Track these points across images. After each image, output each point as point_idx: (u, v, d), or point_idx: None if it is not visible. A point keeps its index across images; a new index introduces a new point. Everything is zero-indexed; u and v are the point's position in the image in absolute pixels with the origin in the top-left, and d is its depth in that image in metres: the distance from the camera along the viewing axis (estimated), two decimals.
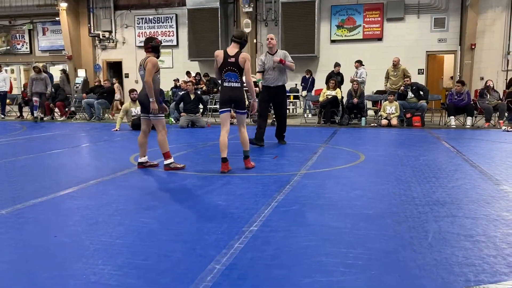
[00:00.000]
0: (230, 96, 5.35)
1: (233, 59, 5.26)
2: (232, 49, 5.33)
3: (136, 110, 10.44)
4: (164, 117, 5.53)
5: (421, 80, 13.10)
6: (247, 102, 5.64)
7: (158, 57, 5.50)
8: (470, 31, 13.15)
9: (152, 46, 5.39)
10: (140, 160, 5.59)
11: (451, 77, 14.34)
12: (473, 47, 13.20)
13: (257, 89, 8.13)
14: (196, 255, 2.72)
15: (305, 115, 12.84)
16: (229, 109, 5.43)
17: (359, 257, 2.67)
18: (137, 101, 10.37)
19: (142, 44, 5.48)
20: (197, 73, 14.59)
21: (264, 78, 7.41)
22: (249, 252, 2.77)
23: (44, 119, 12.90)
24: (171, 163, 5.40)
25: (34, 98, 12.61)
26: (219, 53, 5.40)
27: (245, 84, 5.50)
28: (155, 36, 5.69)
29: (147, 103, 5.33)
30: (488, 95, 10.82)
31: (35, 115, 12.76)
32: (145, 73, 5.22)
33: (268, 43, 7.33)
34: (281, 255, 2.73)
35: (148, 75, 5.19)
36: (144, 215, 3.57)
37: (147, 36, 5.81)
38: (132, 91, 10.67)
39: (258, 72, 7.55)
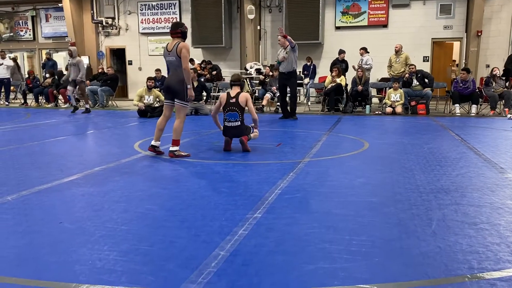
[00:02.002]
0: (233, 133, 5.78)
1: (234, 100, 5.75)
2: (234, 91, 5.85)
3: (149, 98, 10.44)
4: (188, 106, 5.53)
5: (426, 67, 12.99)
6: (253, 133, 5.97)
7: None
8: (477, 17, 12.98)
9: (182, 32, 5.39)
10: (153, 143, 5.54)
11: (456, 64, 14.18)
12: (480, 34, 13.04)
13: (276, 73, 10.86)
14: (201, 242, 2.74)
15: (309, 103, 12.77)
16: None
17: (363, 244, 2.68)
18: (152, 89, 10.48)
19: (169, 30, 5.51)
20: (203, 61, 14.52)
21: (280, 68, 9.57)
22: (253, 238, 2.78)
23: (47, 106, 12.86)
24: (176, 150, 5.41)
25: (69, 88, 11.24)
26: (223, 95, 5.96)
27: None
28: (181, 22, 5.72)
29: (176, 89, 5.33)
30: (494, 83, 10.73)
31: (74, 104, 11.46)
32: (182, 60, 5.22)
33: (279, 41, 9.48)
34: (285, 242, 2.74)
35: (186, 62, 5.24)
36: (148, 202, 3.60)
37: (174, 21, 5.82)
38: (149, 79, 10.60)
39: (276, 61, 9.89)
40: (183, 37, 5.41)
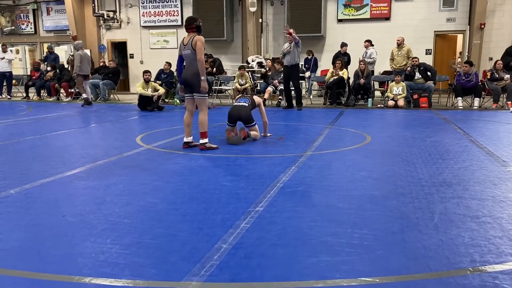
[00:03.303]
0: (239, 113, 5.96)
1: (249, 95, 6.34)
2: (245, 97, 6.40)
3: (148, 91, 10.42)
4: (208, 97, 5.65)
5: (428, 60, 12.92)
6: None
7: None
8: (480, 10, 12.88)
9: (197, 26, 5.48)
10: (185, 140, 5.67)
11: (459, 57, 14.07)
12: (483, 26, 12.95)
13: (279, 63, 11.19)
14: (203, 235, 2.74)
15: (311, 97, 12.74)
16: (233, 125, 6.05)
17: (365, 237, 2.68)
18: (150, 82, 10.45)
19: (185, 24, 5.61)
20: (204, 54, 14.43)
21: (284, 61, 10.34)
22: (255, 232, 2.79)
23: (50, 99, 12.89)
24: (206, 143, 5.51)
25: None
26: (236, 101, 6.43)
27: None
28: (195, 16, 5.84)
29: (193, 82, 5.40)
30: (497, 76, 10.66)
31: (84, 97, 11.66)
32: (197, 51, 5.31)
33: (288, 37, 10.09)
34: (287, 235, 2.75)
35: (200, 54, 5.32)
36: (151, 195, 3.60)
37: (188, 16, 5.90)
38: (145, 72, 10.57)
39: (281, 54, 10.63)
40: (198, 30, 5.51)
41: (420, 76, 10.90)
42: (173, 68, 12.82)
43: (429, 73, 10.97)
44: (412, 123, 8.18)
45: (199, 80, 5.35)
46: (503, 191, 3.68)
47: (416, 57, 11.16)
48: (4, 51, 13.96)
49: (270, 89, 11.50)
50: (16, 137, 6.61)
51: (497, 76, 10.58)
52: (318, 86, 13.54)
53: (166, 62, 12.56)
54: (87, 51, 16.36)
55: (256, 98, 6.32)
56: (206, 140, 5.52)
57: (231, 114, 6.02)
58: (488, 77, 10.77)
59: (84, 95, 11.65)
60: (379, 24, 13.95)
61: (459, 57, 13.89)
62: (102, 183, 3.97)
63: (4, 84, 14.15)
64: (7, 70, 13.90)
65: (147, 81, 10.45)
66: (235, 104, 6.16)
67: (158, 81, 12.03)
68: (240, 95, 6.32)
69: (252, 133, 6.01)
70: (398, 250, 2.53)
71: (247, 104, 6.06)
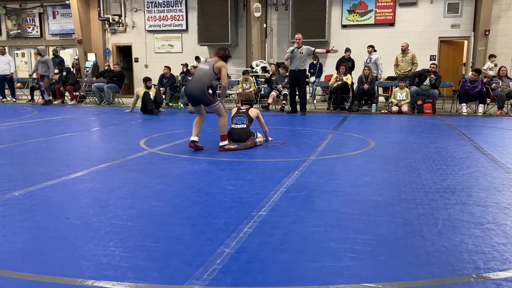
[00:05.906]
0: (238, 135, 6.00)
1: (244, 110, 6.20)
2: (244, 107, 6.28)
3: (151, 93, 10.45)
4: (219, 103, 5.82)
5: None
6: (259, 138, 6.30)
7: None
8: (485, 16, 12.87)
9: (224, 56, 5.74)
10: (192, 138, 5.75)
11: (464, 64, 14.04)
12: (487, 33, 12.94)
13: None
14: (206, 239, 2.74)
15: (314, 102, 12.74)
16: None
17: (368, 243, 2.67)
18: (151, 88, 10.50)
19: (217, 49, 5.94)
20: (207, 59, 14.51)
21: (290, 65, 10.35)
22: (258, 236, 2.78)
23: (55, 102, 12.99)
24: (225, 145, 5.68)
25: (41, 83, 13.18)
26: (234, 109, 6.40)
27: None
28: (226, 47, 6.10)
29: (201, 98, 5.64)
30: (501, 82, 10.64)
31: (47, 98, 13.24)
32: (222, 78, 5.69)
33: (297, 42, 10.14)
34: (290, 240, 2.74)
35: (225, 79, 5.72)
36: (154, 199, 3.61)
37: (220, 46, 6.18)
38: (146, 80, 10.57)
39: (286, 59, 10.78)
40: (224, 59, 5.72)
41: (428, 83, 10.84)
42: (174, 71, 13.02)
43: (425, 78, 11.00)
44: (416, 129, 8.17)
45: (205, 95, 5.57)
46: (507, 197, 3.66)
47: (435, 64, 11.18)
48: (3, 53, 13.98)
49: (274, 93, 11.51)
50: (20, 139, 6.64)
51: (498, 81, 10.58)
52: (322, 91, 13.54)
53: (165, 67, 12.72)
54: (92, 55, 16.49)
55: (252, 112, 6.18)
56: (226, 142, 5.70)
57: (231, 136, 5.99)
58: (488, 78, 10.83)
59: (48, 96, 13.14)
60: (383, 29, 13.96)
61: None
62: (105, 186, 3.98)
63: (6, 87, 14.20)
64: (7, 73, 13.86)
65: (148, 87, 10.46)
66: (233, 126, 6.04)
67: (162, 88, 12.14)
68: (235, 112, 6.19)
69: (257, 140, 6.07)
70: (401, 256, 2.52)
71: (245, 125, 6.01)
